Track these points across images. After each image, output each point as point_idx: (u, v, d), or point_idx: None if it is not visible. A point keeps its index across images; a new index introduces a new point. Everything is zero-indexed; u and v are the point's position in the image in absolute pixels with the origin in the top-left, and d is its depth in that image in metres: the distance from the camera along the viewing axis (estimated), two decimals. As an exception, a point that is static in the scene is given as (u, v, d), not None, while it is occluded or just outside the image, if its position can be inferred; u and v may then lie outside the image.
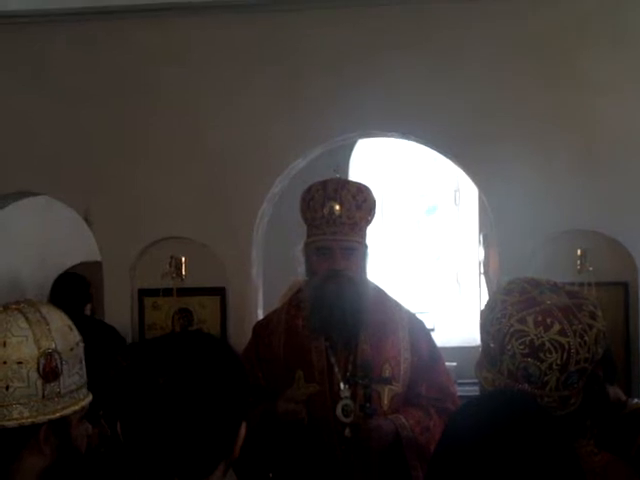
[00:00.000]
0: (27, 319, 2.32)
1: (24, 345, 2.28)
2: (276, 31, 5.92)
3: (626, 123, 5.64)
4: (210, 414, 1.95)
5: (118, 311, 6.00)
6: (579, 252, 5.60)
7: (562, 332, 2.34)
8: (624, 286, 5.67)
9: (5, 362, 2.27)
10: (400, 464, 3.84)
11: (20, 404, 2.27)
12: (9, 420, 2.27)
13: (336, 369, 3.88)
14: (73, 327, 2.42)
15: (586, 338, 2.35)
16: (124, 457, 2.02)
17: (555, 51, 5.71)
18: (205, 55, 5.96)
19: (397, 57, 5.77)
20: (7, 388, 2.27)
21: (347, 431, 3.79)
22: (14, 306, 2.38)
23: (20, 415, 2.27)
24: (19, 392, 2.27)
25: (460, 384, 4.22)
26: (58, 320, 2.39)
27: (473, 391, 5.14)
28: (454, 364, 6.45)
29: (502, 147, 5.69)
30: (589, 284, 5.28)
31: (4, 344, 2.28)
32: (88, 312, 6.28)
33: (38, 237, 8.23)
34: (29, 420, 2.27)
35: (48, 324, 2.34)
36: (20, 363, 2.27)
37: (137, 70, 6.00)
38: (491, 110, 5.72)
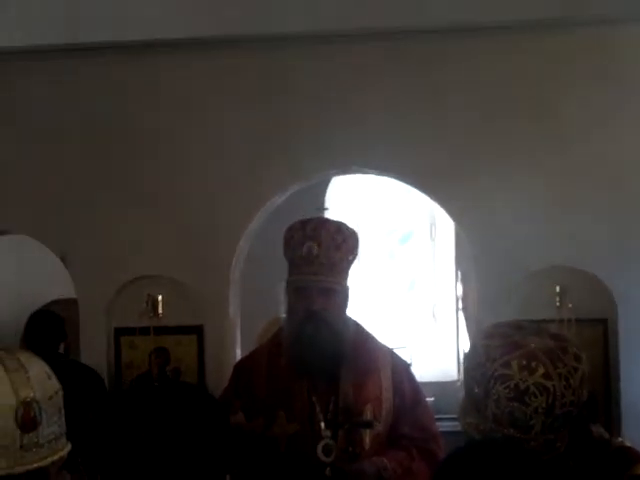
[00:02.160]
0: (5, 366, 2.26)
1: (1, 393, 2.22)
2: (256, 68, 5.93)
3: (607, 161, 5.68)
4: (195, 466, 1.93)
5: (94, 350, 5.95)
6: (558, 289, 5.60)
7: (547, 375, 2.33)
8: (603, 323, 5.68)
9: None
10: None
11: None
12: None
13: (317, 409, 3.86)
14: (52, 375, 2.37)
15: (571, 381, 2.35)
16: None
17: (536, 89, 5.74)
18: (184, 92, 5.95)
19: (377, 95, 5.79)
20: None
21: (327, 470, 3.76)
22: None
23: None
24: None
25: (438, 419, 4.19)
26: (37, 368, 2.33)
27: (451, 427, 5.13)
28: (431, 399, 6.42)
29: (481, 184, 5.71)
30: (569, 320, 5.28)
31: None
32: (62, 350, 6.22)
33: (13, 274, 8.18)
34: (5, 471, 2.22)
35: (27, 372, 2.28)
36: None
37: (114, 109, 5.97)
38: (470, 147, 5.74)
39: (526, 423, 2.34)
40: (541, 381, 2.32)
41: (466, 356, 2.53)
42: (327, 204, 8.62)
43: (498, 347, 2.41)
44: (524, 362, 2.34)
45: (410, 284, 9.95)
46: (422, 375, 4.27)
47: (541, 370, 2.33)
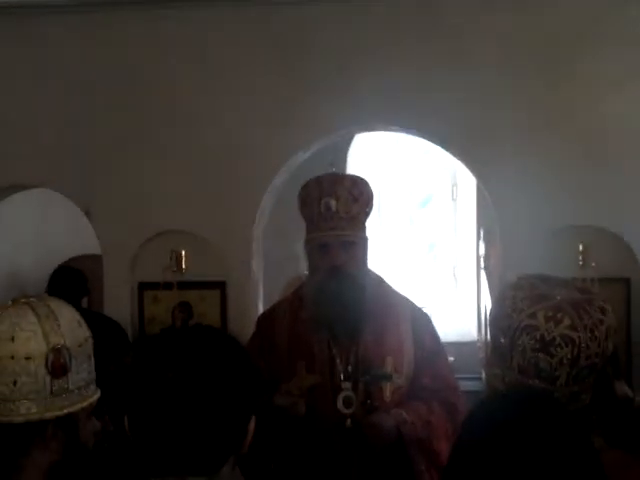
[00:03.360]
0: (36, 314, 2.30)
1: (33, 340, 2.27)
2: (276, 25, 5.91)
3: (629, 120, 5.64)
4: (220, 409, 1.93)
5: (118, 304, 5.98)
6: (581, 248, 5.60)
7: (572, 327, 2.33)
8: (626, 282, 5.67)
9: (13, 357, 2.25)
10: (402, 459, 3.84)
11: (28, 400, 2.26)
12: (17, 415, 2.26)
13: (338, 361, 3.88)
14: (82, 322, 2.40)
15: (597, 333, 2.35)
16: (130, 453, 2.01)
17: (558, 48, 5.70)
18: (206, 49, 5.94)
19: (399, 51, 5.77)
20: (15, 383, 2.26)
21: (348, 422, 3.79)
22: (23, 300, 2.36)
23: (27, 411, 2.26)
24: (27, 388, 2.26)
25: (458, 379, 4.21)
26: (67, 315, 2.37)
27: (471, 386, 5.13)
28: (451, 359, 6.44)
29: (505, 142, 5.69)
30: (592, 280, 5.27)
31: (12, 339, 2.26)
32: (85, 305, 6.27)
33: (37, 230, 8.22)
34: (36, 416, 2.26)
35: (57, 319, 2.32)
36: (28, 358, 2.25)
37: (139, 64, 5.98)
38: (494, 105, 5.71)
39: (551, 374, 2.34)
40: (567, 332, 2.32)
41: (492, 307, 2.54)
42: (348, 164, 8.64)
43: (525, 298, 2.41)
44: (550, 313, 2.35)
45: (430, 246, 9.96)
46: (442, 335, 4.28)
47: (567, 321, 2.33)
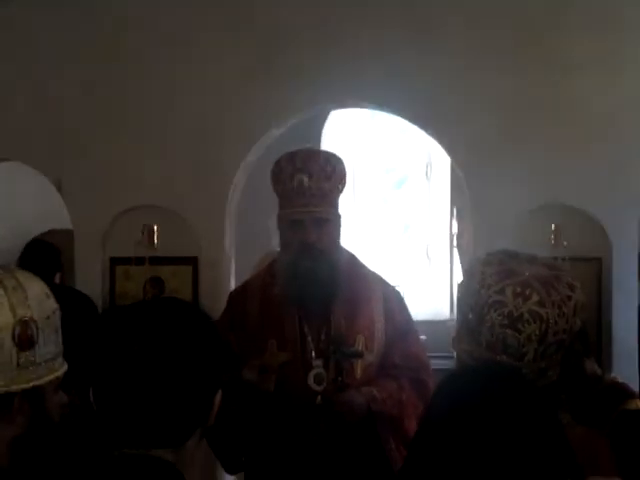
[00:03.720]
0: (3, 286, 2.27)
1: None
2: (246, 3, 5.85)
3: (603, 99, 5.63)
4: (185, 382, 1.93)
5: (89, 280, 5.94)
6: (553, 227, 5.60)
7: (540, 303, 2.34)
8: (598, 261, 5.69)
9: None
10: (372, 436, 3.85)
11: None
12: None
13: (309, 338, 3.89)
14: (50, 295, 2.37)
15: (564, 309, 2.36)
16: (95, 425, 2.00)
17: (535, 27, 5.68)
18: (179, 21, 5.89)
19: (372, 27, 5.73)
20: None
21: (318, 399, 3.80)
22: None
23: None
24: None
25: (430, 357, 4.22)
26: (35, 287, 2.33)
27: (442, 365, 5.15)
28: (423, 337, 6.46)
29: (478, 120, 5.68)
30: (563, 259, 5.28)
31: None
32: (57, 281, 6.22)
33: (7, 203, 8.15)
34: (2, 389, 2.23)
35: (25, 291, 2.28)
36: None
37: (109, 36, 5.91)
38: (468, 84, 5.69)
39: (519, 350, 2.35)
40: (535, 308, 2.33)
41: (461, 283, 2.54)
42: (323, 141, 8.62)
43: (493, 274, 2.41)
44: (518, 289, 2.35)
45: (405, 227, 9.97)
46: (415, 314, 4.29)
47: (535, 297, 2.34)
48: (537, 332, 2.33)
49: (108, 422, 1.96)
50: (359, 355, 3.83)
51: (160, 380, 1.90)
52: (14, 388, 2.24)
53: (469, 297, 2.44)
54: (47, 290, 2.37)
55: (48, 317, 2.32)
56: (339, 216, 3.98)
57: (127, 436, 1.94)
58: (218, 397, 2.04)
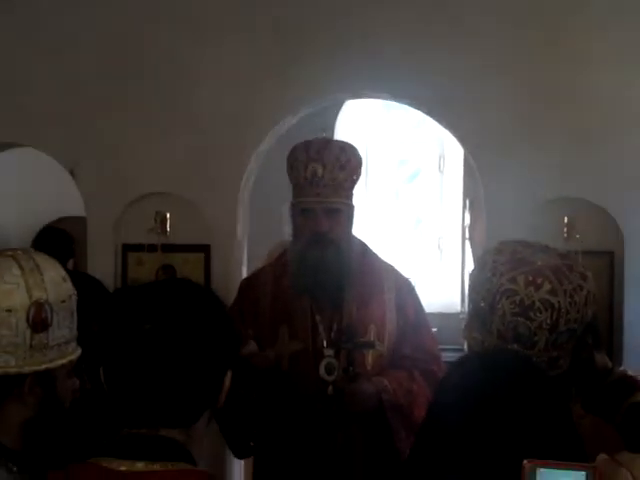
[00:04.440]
0: (20, 267, 2.28)
1: (15, 293, 2.24)
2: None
3: (618, 94, 5.59)
4: (196, 362, 1.93)
5: (101, 266, 5.93)
6: (566, 220, 5.59)
7: (552, 292, 2.34)
8: (610, 255, 5.67)
9: None
10: (383, 426, 3.85)
11: (6, 352, 2.24)
12: None
13: (320, 328, 3.89)
14: (67, 279, 2.38)
15: (576, 298, 2.36)
16: (105, 405, 2.01)
17: (553, 18, 5.65)
18: (193, 9, 5.87)
19: (390, 17, 5.70)
20: None
21: (330, 389, 3.80)
22: (9, 253, 2.34)
23: (6, 364, 2.24)
24: (6, 340, 2.24)
25: (441, 349, 4.21)
26: (52, 270, 2.34)
27: (453, 357, 5.14)
28: (435, 329, 6.45)
29: (493, 113, 5.65)
30: (576, 252, 5.26)
31: None
32: (70, 267, 6.24)
33: (20, 190, 8.18)
34: (14, 370, 2.25)
35: (42, 274, 2.30)
36: (9, 311, 2.23)
37: (125, 24, 5.90)
38: (484, 76, 5.65)
39: (530, 339, 2.35)
40: (546, 297, 2.33)
41: (473, 272, 2.54)
42: (337, 131, 8.61)
43: (505, 263, 2.41)
44: (530, 278, 2.35)
45: (417, 219, 9.96)
46: (426, 306, 4.28)
47: (547, 286, 2.34)
48: (548, 321, 2.33)
49: (117, 400, 1.97)
50: (371, 345, 3.84)
51: (170, 359, 1.90)
52: (26, 369, 2.25)
53: (481, 286, 2.44)
54: (64, 274, 2.38)
55: (63, 301, 2.33)
56: (352, 207, 3.98)
57: (136, 415, 1.94)
58: (228, 378, 2.04)
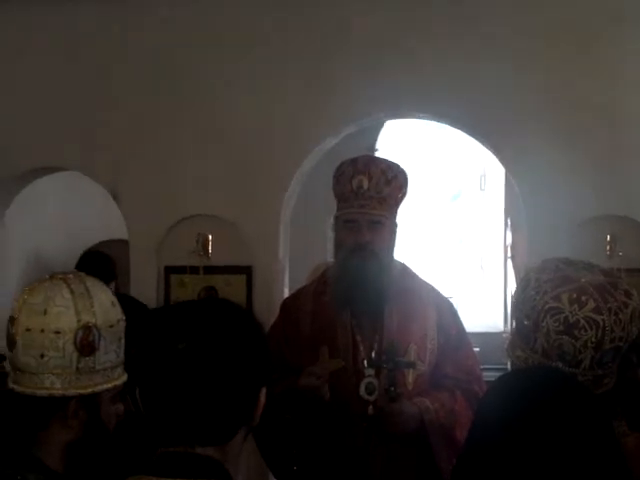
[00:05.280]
0: (71, 290, 2.32)
1: (64, 315, 2.28)
2: (307, 9, 5.88)
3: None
4: (229, 379, 1.93)
5: (144, 288, 5.98)
6: (608, 238, 5.55)
7: (597, 310, 2.31)
8: (653, 272, 5.62)
9: (43, 330, 2.28)
10: (424, 447, 3.82)
11: (53, 374, 2.28)
12: (40, 389, 2.28)
13: (361, 347, 3.86)
14: (117, 304, 2.42)
15: (621, 316, 2.33)
16: (144, 426, 2.02)
17: (587, 38, 5.63)
18: (235, 32, 5.92)
19: (430, 38, 5.73)
20: (42, 356, 2.28)
21: (370, 409, 3.78)
22: (60, 276, 2.38)
23: (51, 385, 2.28)
24: (53, 362, 2.27)
25: (483, 369, 4.18)
26: (102, 295, 2.38)
27: (496, 377, 5.10)
28: (477, 349, 6.42)
29: (533, 132, 5.64)
30: (618, 270, 5.23)
31: (45, 312, 2.29)
32: (112, 289, 6.26)
33: (64, 214, 8.24)
34: (60, 392, 2.27)
35: (91, 298, 2.33)
36: (58, 333, 2.27)
37: (165, 47, 5.95)
38: (523, 95, 5.66)
39: (575, 357, 2.33)
40: (591, 315, 2.31)
41: (517, 290, 2.52)
42: (377, 148, 8.62)
43: (549, 280, 2.40)
44: (575, 295, 2.33)
45: (459, 239, 9.94)
46: (469, 326, 4.25)
47: (591, 304, 2.32)
48: (593, 339, 2.31)
49: (153, 419, 1.97)
50: (412, 365, 3.81)
51: (203, 378, 1.91)
52: (71, 392, 2.27)
53: (524, 304, 2.43)
54: (113, 299, 2.41)
55: (112, 325, 2.36)
56: (395, 223, 3.96)
57: (172, 434, 1.95)
58: (263, 394, 2.04)
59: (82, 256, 7.13)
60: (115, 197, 6.10)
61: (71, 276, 2.38)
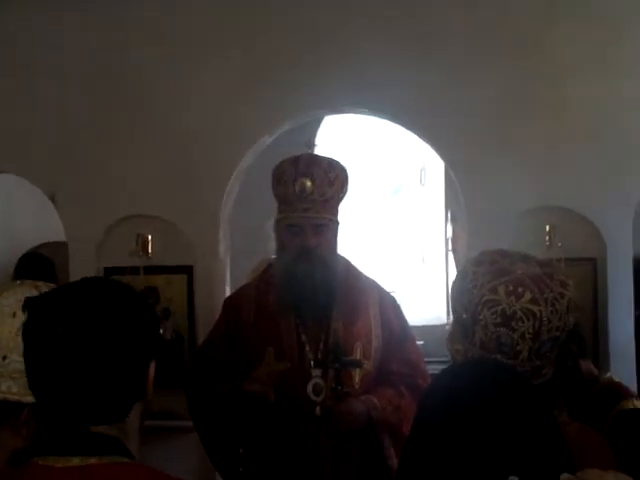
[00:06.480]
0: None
1: None
2: (242, 4, 5.84)
3: (598, 100, 5.61)
4: (113, 357, 1.93)
5: (84, 290, 5.91)
6: (548, 228, 5.59)
7: (534, 300, 2.33)
8: (592, 262, 5.67)
9: (9, 332, 2.29)
10: (373, 444, 3.83)
11: (12, 379, 2.27)
12: None
13: (307, 347, 3.86)
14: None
15: (558, 306, 2.35)
16: (39, 412, 2.03)
17: (532, 26, 5.66)
18: (169, 30, 5.86)
19: (366, 32, 5.71)
20: (4, 358, 2.29)
21: (317, 410, 3.77)
22: (31, 282, 2.42)
23: (8, 389, 2.27)
24: (13, 366, 2.27)
25: (427, 362, 4.20)
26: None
27: (440, 369, 5.14)
28: (421, 342, 6.44)
29: (472, 124, 5.66)
30: (558, 260, 5.27)
31: (13, 314, 2.30)
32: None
33: (1, 216, 8.13)
34: (15, 397, 2.25)
35: None
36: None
37: (104, 48, 5.88)
38: (461, 87, 5.67)
39: (513, 349, 2.34)
40: (528, 306, 2.32)
41: (454, 283, 2.53)
42: (317, 146, 8.60)
43: (485, 273, 2.41)
44: (511, 287, 2.35)
45: (400, 232, 9.97)
46: (411, 319, 4.27)
47: (528, 295, 2.33)
48: (531, 330, 2.32)
49: (46, 407, 1.97)
50: (358, 364, 3.81)
51: (86, 358, 1.91)
52: (27, 399, 2.24)
53: (462, 297, 2.44)
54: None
55: None
56: (338, 223, 3.97)
57: (65, 416, 1.95)
58: (152, 369, 2.05)
59: (21, 259, 7.06)
60: (52, 199, 6.02)
61: (42, 284, 2.42)
